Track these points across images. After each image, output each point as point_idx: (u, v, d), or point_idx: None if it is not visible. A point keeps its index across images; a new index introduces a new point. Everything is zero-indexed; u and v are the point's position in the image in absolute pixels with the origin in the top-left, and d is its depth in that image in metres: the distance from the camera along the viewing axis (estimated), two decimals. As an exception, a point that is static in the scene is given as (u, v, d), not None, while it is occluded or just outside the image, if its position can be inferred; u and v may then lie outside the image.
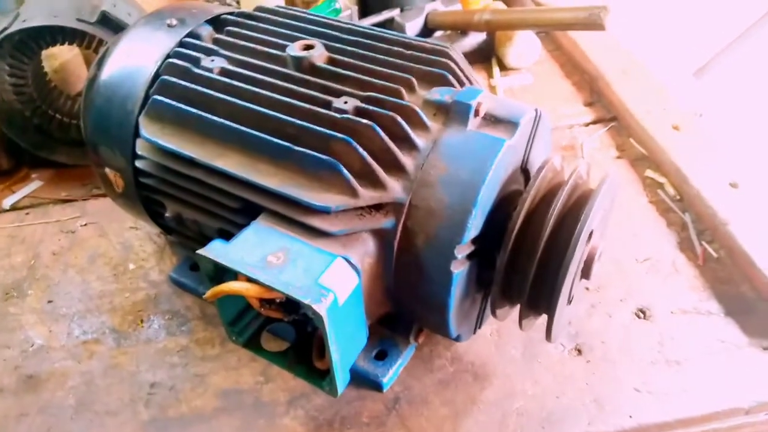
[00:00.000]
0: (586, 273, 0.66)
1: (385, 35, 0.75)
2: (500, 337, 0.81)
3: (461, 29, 1.35)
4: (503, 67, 1.35)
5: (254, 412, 0.75)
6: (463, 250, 0.61)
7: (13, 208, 1.06)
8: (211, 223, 0.72)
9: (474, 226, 0.60)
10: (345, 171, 0.60)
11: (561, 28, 1.29)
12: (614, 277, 0.88)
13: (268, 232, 0.62)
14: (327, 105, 0.65)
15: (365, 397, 0.76)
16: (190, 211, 0.73)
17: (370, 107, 0.64)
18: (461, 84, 0.69)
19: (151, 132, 0.71)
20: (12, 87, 1.08)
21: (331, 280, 0.58)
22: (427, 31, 1.38)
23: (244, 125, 0.66)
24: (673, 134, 1.08)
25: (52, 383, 0.80)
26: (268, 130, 0.65)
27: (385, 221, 0.62)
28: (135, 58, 0.76)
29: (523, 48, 1.31)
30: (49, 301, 0.90)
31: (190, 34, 0.77)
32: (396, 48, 0.72)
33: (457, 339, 0.71)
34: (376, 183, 0.62)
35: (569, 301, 0.67)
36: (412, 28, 1.36)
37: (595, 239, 0.66)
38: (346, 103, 0.64)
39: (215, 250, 0.60)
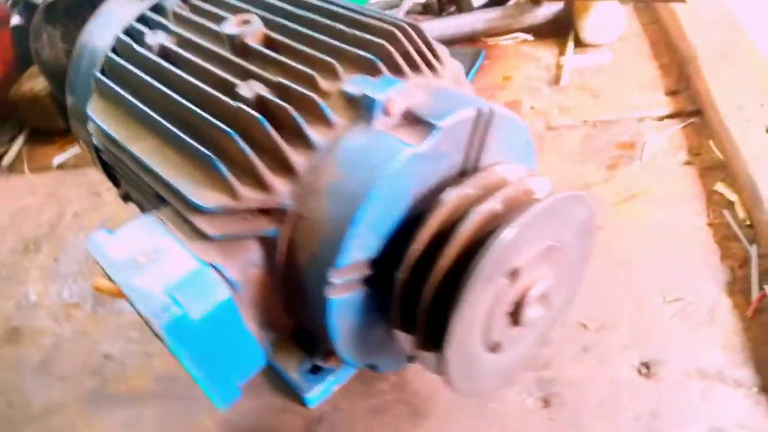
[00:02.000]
0: (515, 319, 0.53)
1: (339, 11, 0.65)
2: (447, 371, 0.69)
3: (533, -4, 1.17)
4: (579, 43, 1.15)
5: (180, 406, 0.73)
6: (342, 274, 0.51)
7: (60, 167, 1.14)
8: (147, 205, 0.69)
9: (357, 247, 0.50)
10: (221, 167, 0.53)
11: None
12: (625, 317, 0.71)
13: (153, 227, 0.58)
14: (231, 91, 0.58)
15: (290, 411, 0.70)
16: (133, 190, 0.71)
17: (270, 97, 0.55)
18: (399, 73, 0.57)
19: (93, 109, 0.69)
20: (66, 53, 1.14)
21: (188, 291, 0.51)
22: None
23: (157, 110, 0.61)
24: (765, 139, 0.83)
25: (28, 338, 0.85)
26: (173, 118, 0.59)
27: (268, 228, 0.54)
28: (99, 32, 0.74)
29: (602, 20, 1.10)
30: (55, 259, 0.96)
31: (154, 7, 0.73)
32: (339, 26, 0.62)
33: (373, 369, 0.61)
34: (260, 184, 0.53)
35: (492, 349, 0.54)
36: (479, -4, 1.22)
37: (533, 277, 0.52)
38: (249, 90, 0.56)
39: (95, 242, 0.57)
